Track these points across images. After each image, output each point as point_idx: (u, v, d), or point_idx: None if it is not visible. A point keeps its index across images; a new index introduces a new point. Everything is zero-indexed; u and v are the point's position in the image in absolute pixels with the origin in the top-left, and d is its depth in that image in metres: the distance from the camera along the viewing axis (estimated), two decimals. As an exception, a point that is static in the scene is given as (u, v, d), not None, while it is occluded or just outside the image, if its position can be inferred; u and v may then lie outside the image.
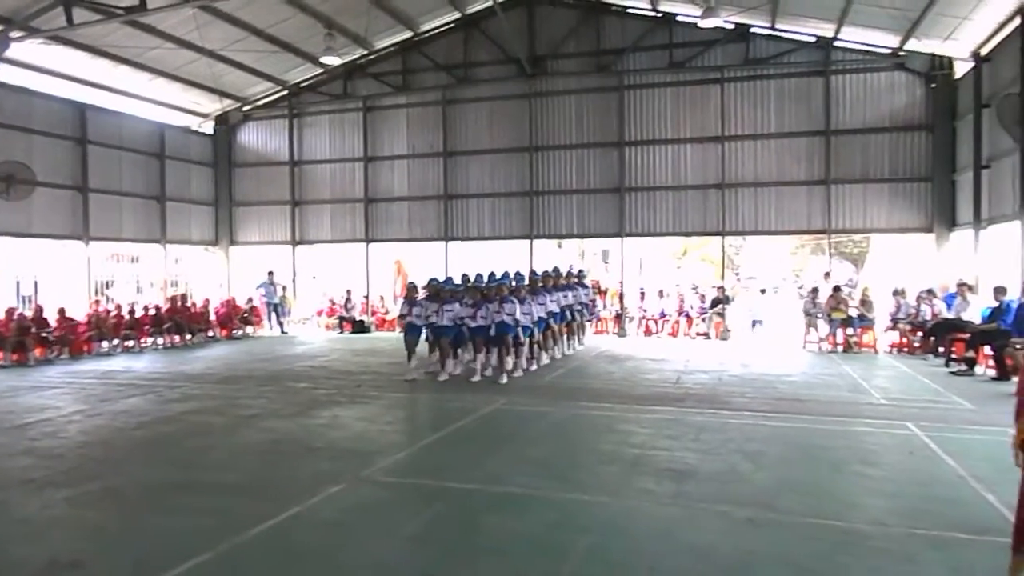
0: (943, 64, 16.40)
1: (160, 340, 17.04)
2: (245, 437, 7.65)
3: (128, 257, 24.13)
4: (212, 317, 18.99)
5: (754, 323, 18.41)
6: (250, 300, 20.41)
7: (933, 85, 16.57)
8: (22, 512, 5.23)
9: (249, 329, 19.83)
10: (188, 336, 17.72)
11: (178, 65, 18.32)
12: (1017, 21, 12.67)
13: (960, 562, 4.24)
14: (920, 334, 14.63)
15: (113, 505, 5.40)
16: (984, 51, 14.63)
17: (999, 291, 11.96)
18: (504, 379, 11.04)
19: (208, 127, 22.12)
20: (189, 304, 18.80)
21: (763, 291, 20.63)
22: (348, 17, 17.76)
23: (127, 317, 16.58)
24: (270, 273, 20.70)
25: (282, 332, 20.18)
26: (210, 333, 18.63)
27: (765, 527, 4.83)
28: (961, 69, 16.05)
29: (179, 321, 17.62)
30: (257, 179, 22.18)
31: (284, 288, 21.36)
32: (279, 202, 21.89)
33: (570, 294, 14.13)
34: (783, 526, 4.85)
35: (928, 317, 14.71)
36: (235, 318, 19.55)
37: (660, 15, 18.20)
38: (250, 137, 22.25)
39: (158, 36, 16.47)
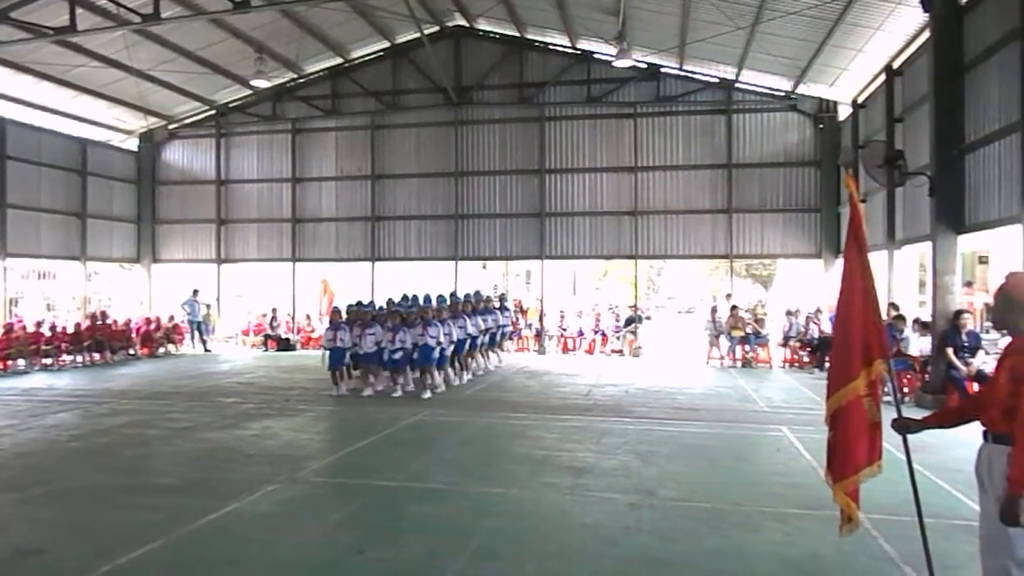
0: (829, 108, 18.25)
1: (79, 358, 16.91)
2: (180, 447, 8.10)
3: (38, 273, 23.59)
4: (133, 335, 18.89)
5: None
6: (172, 318, 20.37)
7: (821, 126, 18.37)
8: (-25, 513, 5.63)
9: (171, 347, 19.78)
10: (109, 354, 17.62)
11: (104, 83, 18.35)
12: (884, 78, 14.40)
13: (794, 529, 5.26)
14: (808, 350, 16.19)
15: (63, 505, 5.87)
16: (861, 99, 16.43)
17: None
18: (427, 394, 11.72)
19: (132, 144, 22.04)
20: (110, 322, 18.64)
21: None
22: (279, 42, 18.25)
23: (47, 334, 16.41)
24: (195, 291, 20.74)
25: (205, 350, 20.22)
26: (131, 351, 18.53)
27: (644, 509, 5.75)
28: (844, 113, 17.88)
29: (99, 339, 17.51)
30: (182, 197, 22.22)
31: (208, 306, 21.40)
32: (204, 220, 21.97)
33: (490, 318, 14.87)
34: (658, 508, 5.78)
35: (815, 335, 16.26)
36: (157, 336, 19.47)
37: (579, 52, 19.47)
38: (176, 155, 22.29)
39: (85, 55, 16.56)
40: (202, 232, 22.07)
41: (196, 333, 20.59)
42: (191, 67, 18.34)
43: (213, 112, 21.67)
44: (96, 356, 17.32)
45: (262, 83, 18.32)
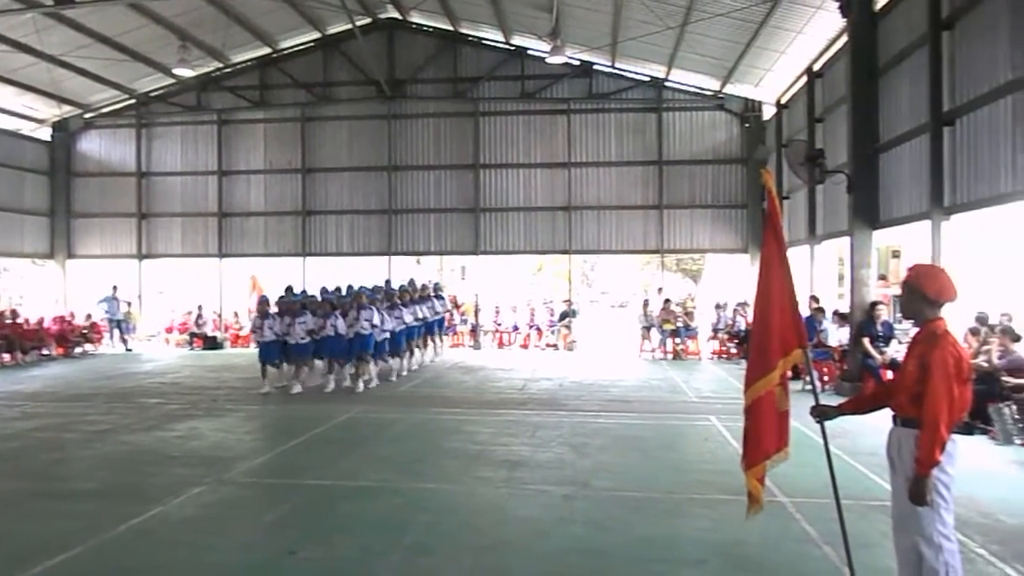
0: (755, 107, 18.85)
1: (-13, 359, 15.98)
2: (99, 450, 7.75)
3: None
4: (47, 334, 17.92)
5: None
6: (89, 316, 19.44)
7: (747, 125, 18.96)
8: None
9: (89, 347, 18.88)
10: (20, 355, 16.67)
11: (12, 68, 17.32)
12: (805, 79, 14.97)
13: (720, 515, 5.43)
14: (735, 342, 16.71)
15: (-31, 514, 5.53)
16: (784, 99, 17.04)
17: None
18: (360, 387, 11.57)
19: (45, 133, 20.91)
20: (21, 320, 17.63)
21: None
22: (204, 30, 17.60)
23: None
24: (114, 288, 19.85)
25: (126, 349, 19.39)
26: (45, 351, 17.59)
27: (578, 500, 5.84)
28: (768, 112, 18.50)
29: (10, 338, 16.55)
30: (100, 189, 21.22)
31: (129, 304, 20.52)
32: (124, 214, 21.05)
33: (426, 307, 14.76)
34: (592, 499, 5.88)
35: (743, 327, 16.79)
36: (73, 335, 18.54)
37: (513, 48, 19.52)
38: (92, 146, 21.27)
39: (-9, 38, 15.61)
40: (121, 226, 21.14)
41: (116, 332, 19.71)
42: (108, 53, 17.49)
43: (133, 101, 20.77)
44: (6, 357, 16.36)
45: (186, 72, 17.65)
